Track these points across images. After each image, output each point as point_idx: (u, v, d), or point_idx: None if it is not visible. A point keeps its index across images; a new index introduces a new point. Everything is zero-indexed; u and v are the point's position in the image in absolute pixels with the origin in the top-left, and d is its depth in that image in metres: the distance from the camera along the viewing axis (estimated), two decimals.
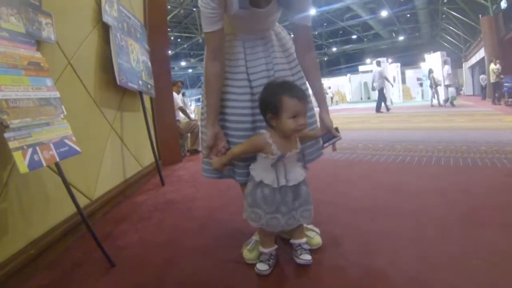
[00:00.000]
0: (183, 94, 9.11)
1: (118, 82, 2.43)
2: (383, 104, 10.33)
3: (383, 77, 10.32)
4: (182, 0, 18.53)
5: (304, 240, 1.35)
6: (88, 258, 1.59)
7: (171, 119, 4.18)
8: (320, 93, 1.37)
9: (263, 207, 1.23)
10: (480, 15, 15.34)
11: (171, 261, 1.48)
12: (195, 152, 4.76)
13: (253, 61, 1.32)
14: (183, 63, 28.30)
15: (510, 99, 10.40)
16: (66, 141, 1.48)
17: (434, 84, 11.42)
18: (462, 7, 17.45)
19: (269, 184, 1.21)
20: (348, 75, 23.38)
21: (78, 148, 1.53)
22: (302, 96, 1.16)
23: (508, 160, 2.76)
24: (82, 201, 1.98)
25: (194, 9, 19.66)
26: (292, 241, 1.35)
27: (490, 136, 4.14)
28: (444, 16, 21.79)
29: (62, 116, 1.53)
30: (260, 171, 1.24)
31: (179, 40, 25.41)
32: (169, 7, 17.50)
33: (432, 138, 4.26)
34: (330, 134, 1.29)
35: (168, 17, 17.20)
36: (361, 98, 22.51)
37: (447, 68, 11.78)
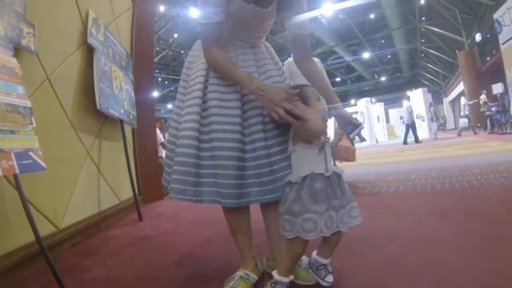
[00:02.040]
0: None
1: (98, 107, 2.33)
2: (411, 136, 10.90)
3: (411, 112, 10.88)
4: (170, 41, 19.10)
5: (329, 260, 1.17)
6: None
7: (153, 154, 4.03)
8: (331, 90, 1.33)
9: (316, 208, 1.02)
10: (456, 51, 16.28)
11: None
12: None
13: (244, 68, 1.23)
14: (169, 106, 28.50)
15: (491, 128, 10.70)
16: (31, 154, 1.35)
17: (435, 117, 11.78)
18: (439, 44, 18.53)
19: (321, 173, 1.04)
20: (333, 117, 23.87)
21: (43, 164, 1.39)
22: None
23: (504, 178, 2.70)
24: (48, 228, 1.80)
25: (182, 52, 20.17)
26: (319, 259, 1.15)
27: (481, 159, 4.15)
28: (422, 55, 23.08)
29: (30, 127, 1.42)
30: (305, 164, 1.06)
31: (166, 82, 25.81)
32: (157, 48, 17.95)
33: (423, 167, 4.21)
34: (352, 125, 1.23)
35: (156, 59, 17.58)
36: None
37: (462, 98, 12.29)
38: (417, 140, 10.76)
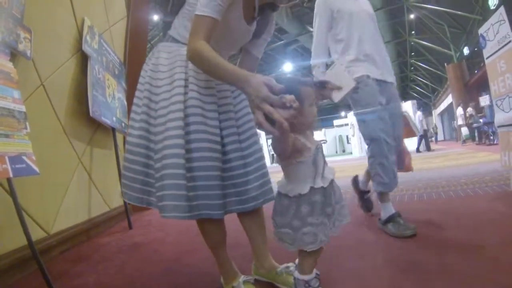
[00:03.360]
0: None
1: (91, 114, 2.34)
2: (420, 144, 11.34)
3: (420, 121, 11.27)
4: None
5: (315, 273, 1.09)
6: None
7: None
8: None
9: (314, 221, 1.00)
10: (445, 64, 16.70)
11: None
12: None
13: (219, 85, 1.22)
14: None
15: (479, 139, 10.91)
16: (25, 158, 1.36)
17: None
18: (428, 58, 18.95)
19: (320, 186, 1.00)
20: (323, 129, 24.06)
21: (36, 169, 1.40)
22: (311, 83, 1.06)
23: (489, 187, 2.75)
24: (38, 233, 1.80)
25: None
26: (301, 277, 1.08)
27: (467, 170, 4.22)
28: (412, 68, 23.53)
29: (25, 132, 1.43)
30: (302, 178, 1.01)
31: None
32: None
33: (411, 178, 4.23)
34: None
35: None
36: (336, 152, 23.03)
37: (460, 109, 12.57)
38: (417, 149, 11.20)
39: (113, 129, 2.87)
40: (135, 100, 1.25)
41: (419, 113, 11.72)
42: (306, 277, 1.04)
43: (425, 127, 11.42)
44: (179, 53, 1.17)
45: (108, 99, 2.77)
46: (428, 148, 11.23)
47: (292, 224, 1.01)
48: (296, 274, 1.06)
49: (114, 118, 2.85)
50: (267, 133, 0.87)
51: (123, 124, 3.10)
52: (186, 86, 1.13)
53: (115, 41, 3.31)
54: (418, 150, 11.14)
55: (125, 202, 2.83)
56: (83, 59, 2.46)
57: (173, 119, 1.09)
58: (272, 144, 0.96)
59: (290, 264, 1.29)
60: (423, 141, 11.89)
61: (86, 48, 2.43)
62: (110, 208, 2.93)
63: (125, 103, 3.25)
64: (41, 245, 1.73)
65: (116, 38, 3.35)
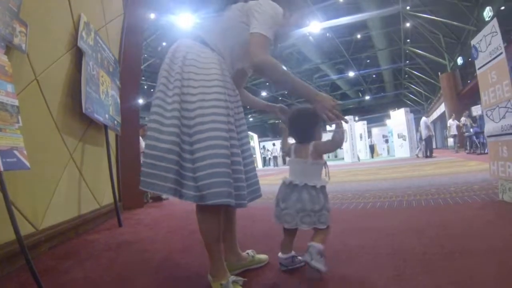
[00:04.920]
0: None
1: (83, 110, 2.33)
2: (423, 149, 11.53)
3: (428, 126, 11.40)
4: (159, 49, 18.99)
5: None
6: None
7: (136, 161, 3.99)
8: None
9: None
10: (439, 73, 16.93)
11: None
12: (158, 199, 4.53)
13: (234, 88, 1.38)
14: None
15: (470, 148, 11.06)
16: (16, 152, 1.36)
17: (422, 137, 12.28)
18: (422, 66, 19.20)
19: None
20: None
21: (27, 163, 1.39)
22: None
23: (477, 196, 2.79)
24: (27, 228, 1.78)
25: None
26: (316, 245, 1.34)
27: (457, 178, 4.26)
28: (406, 75, 23.78)
29: (17, 126, 1.42)
30: (320, 179, 1.44)
31: (152, 90, 25.61)
32: (145, 55, 17.86)
33: (401, 185, 4.28)
34: None
35: (143, 66, 17.45)
36: (328, 157, 23.18)
37: (450, 121, 12.83)
38: (425, 154, 11.37)
39: (106, 127, 2.86)
40: (161, 88, 1.31)
41: (424, 118, 11.83)
42: (322, 247, 1.31)
43: (431, 133, 11.51)
44: (211, 55, 1.30)
45: (102, 96, 2.75)
46: (429, 155, 11.26)
47: (328, 207, 1.41)
48: (312, 243, 1.33)
49: (107, 115, 2.84)
50: (336, 124, 1.37)
51: (115, 122, 3.09)
52: (225, 87, 1.27)
53: (110, 39, 3.30)
54: (427, 155, 11.24)
55: (115, 200, 2.81)
56: (78, 55, 2.44)
57: (219, 114, 1.21)
58: (338, 137, 1.39)
59: (248, 251, 1.56)
60: (422, 146, 12.04)
61: (81, 44, 2.41)
62: (100, 205, 2.91)
63: (119, 101, 3.24)
64: (29, 240, 1.71)
65: (111, 35, 3.34)
